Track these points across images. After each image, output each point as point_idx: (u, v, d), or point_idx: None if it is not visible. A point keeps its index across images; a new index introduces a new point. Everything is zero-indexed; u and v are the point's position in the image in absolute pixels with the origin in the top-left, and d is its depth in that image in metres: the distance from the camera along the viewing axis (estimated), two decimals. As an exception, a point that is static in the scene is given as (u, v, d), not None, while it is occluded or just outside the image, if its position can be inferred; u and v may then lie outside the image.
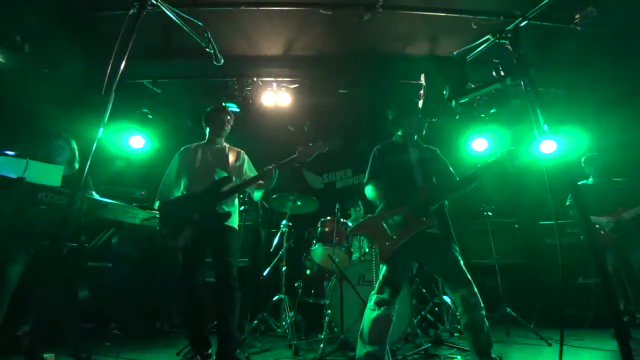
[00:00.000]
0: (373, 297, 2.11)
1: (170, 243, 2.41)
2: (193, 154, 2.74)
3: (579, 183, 3.65)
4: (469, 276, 2.05)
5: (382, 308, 2.04)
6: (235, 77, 4.39)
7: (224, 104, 4.36)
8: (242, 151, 2.84)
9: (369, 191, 2.39)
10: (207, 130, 2.81)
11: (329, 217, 3.65)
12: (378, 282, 2.14)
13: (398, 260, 2.10)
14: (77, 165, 2.87)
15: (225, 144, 2.84)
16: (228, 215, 2.49)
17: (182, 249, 2.43)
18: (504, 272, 3.81)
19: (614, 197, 3.46)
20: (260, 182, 2.62)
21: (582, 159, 3.73)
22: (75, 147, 2.89)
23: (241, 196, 3.41)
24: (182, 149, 2.81)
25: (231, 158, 2.72)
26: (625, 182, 3.53)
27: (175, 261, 2.50)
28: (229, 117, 2.82)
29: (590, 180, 3.68)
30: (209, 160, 2.67)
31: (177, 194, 2.66)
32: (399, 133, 2.46)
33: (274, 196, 3.65)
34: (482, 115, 4.92)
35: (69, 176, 2.63)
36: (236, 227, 2.63)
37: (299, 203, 3.71)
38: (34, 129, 3.57)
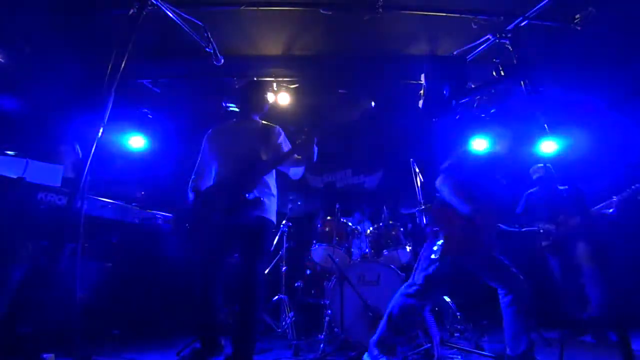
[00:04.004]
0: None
1: (193, 238, 2.22)
2: (223, 135, 2.43)
3: (528, 192, 3.78)
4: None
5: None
6: (235, 77, 4.39)
7: (224, 103, 4.36)
8: (278, 127, 2.48)
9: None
10: (243, 106, 2.52)
11: (329, 217, 3.65)
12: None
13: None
14: None
15: (260, 121, 2.52)
16: (258, 202, 2.15)
17: (204, 243, 2.20)
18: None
19: (560, 204, 3.51)
20: (297, 156, 2.29)
21: (530, 170, 3.83)
22: (80, 152, 2.91)
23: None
24: (209, 131, 2.51)
25: (267, 135, 2.39)
26: (569, 190, 3.57)
27: (175, 260, 2.48)
28: (270, 93, 2.64)
29: (537, 189, 3.76)
30: (242, 142, 2.32)
31: (210, 182, 2.36)
32: None
33: (274, 196, 3.65)
34: (482, 115, 4.93)
35: (71, 179, 2.63)
36: (272, 218, 2.27)
37: (299, 203, 3.71)
38: (34, 130, 3.57)
